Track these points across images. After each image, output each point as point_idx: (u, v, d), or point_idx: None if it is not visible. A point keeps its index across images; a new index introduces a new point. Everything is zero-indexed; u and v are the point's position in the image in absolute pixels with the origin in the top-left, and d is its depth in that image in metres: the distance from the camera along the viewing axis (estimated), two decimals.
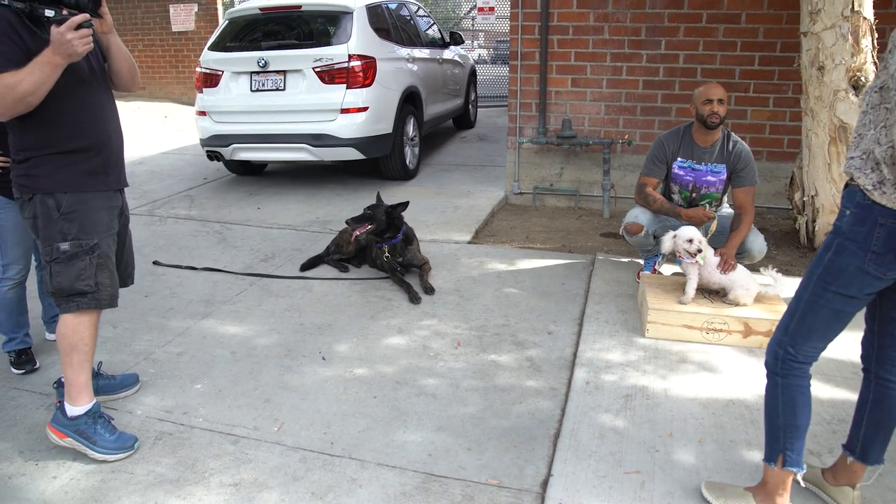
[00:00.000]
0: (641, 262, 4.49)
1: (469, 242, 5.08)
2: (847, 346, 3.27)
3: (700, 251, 3.60)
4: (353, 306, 3.94)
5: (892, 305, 2.20)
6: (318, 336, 3.58)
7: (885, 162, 1.98)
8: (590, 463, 2.53)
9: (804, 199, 4.88)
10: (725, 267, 3.61)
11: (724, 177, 4.02)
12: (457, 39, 8.97)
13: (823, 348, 2.21)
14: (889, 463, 2.35)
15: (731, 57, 5.74)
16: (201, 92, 6.50)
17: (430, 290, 4.11)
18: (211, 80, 6.42)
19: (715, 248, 3.81)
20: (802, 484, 2.43)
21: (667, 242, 3.69)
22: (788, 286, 3.78)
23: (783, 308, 3.59)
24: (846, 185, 2.16)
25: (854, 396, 3.02)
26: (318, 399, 2.99)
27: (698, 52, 5.77)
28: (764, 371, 2.36)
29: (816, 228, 4.81)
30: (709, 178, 4.04)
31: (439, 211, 5.82)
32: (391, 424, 2.80)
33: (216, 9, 13.06)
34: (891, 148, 1.97)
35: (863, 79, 4.35)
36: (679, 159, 4.06)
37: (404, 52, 7.05)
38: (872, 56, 4.42)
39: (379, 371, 3.23)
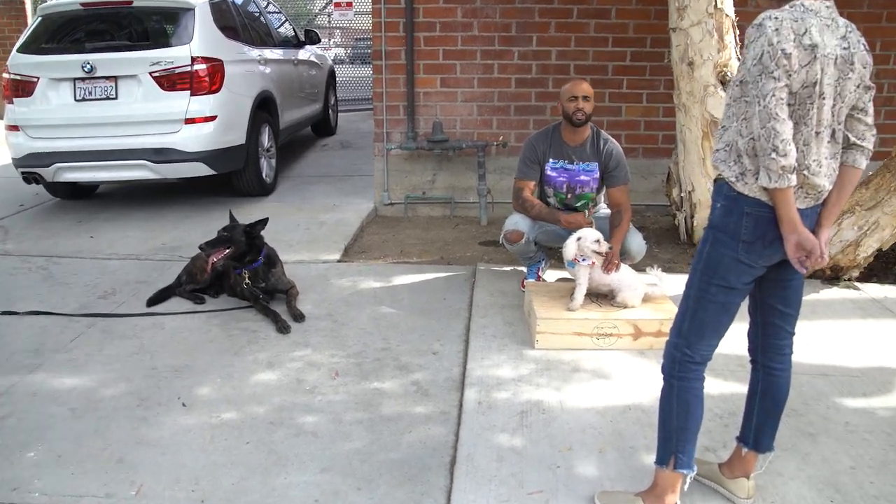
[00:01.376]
0: (524, 270, 4.67)
1: (339, 261, 5.07)
2: (732, 340, 3.56)
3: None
4: (213, 342, 3.82)
5: (770, 294, 2.43)
6: (176, 380, 3.44)
7: (747, 153, 2.20)
8: (490, 488, 2.60)
9: (681, 195, 5.26)
10: (609, 266, 3.82)
11: (597, 175, 4.25)
12: (312, 38, 8.95)
13: (716, 345, 2.40)
14: (776, 449, 2.59)
15: (603, 53, 6.09)
16: (11, 103, 6.08)
17: (299, 316, 4.06)
18: (23, 88, 6.02)
19: None
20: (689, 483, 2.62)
21: (570, 247, 3.81)
22: (673, 284, 4.04)
23: (671, 307, 3.85)
24: (715, 180, 2.37)
25: (743, 389, 3.28)
26: (181, 452, 2.87)
27: (570, 48, 6.09)
28: (657, 373, 2.53)
29: (695, 224, 5.20)
30: (582, 177, 4.26)
31: (303, 228, 5.77)
32: (269, 471, 2.74)
33: (23, 3, 12.25)
34: (751, 139, 2.19)
35: (729, 74, 4.76)
36: (551, 160, 4.26)
37: (255, 52, 6.95)
38: (736, 52, 4.85)
39: (250, 413, 3.15)
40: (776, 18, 2.08)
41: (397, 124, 6.28)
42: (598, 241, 3.78)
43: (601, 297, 3.95)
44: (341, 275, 4.79)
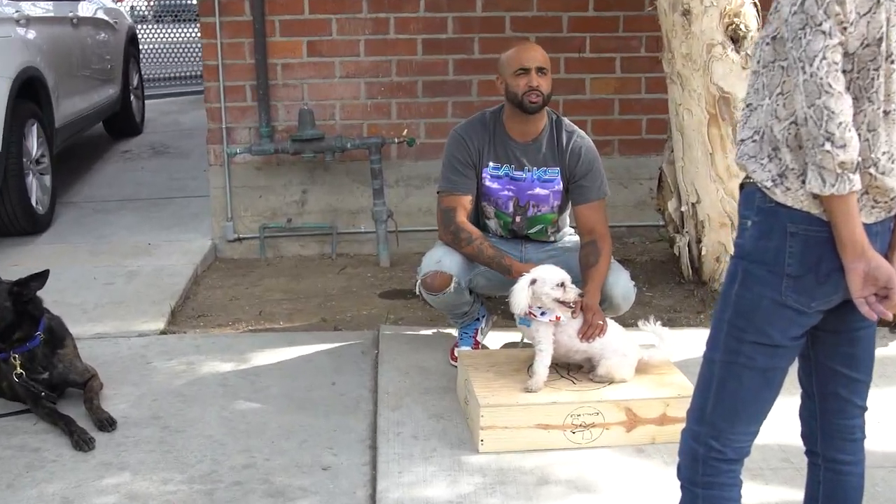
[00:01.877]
0: (455, 333, 4.74)
1: (164, 332, 5.04)
2: (773, 423, 3.71)
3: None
4: None
5: (829, 354, 2.56)
6: None
7: (787, 144, 2.33)
8: None
9: (682, 209, 5.47)
10: (589, 331, 3.91)
11: (559, 186, 4.39)
12: None
13: (756, 433, 2.52)
14: None
15: None
16: None
17: (107, 422, 4.00)
18: None
19: None
20: None
21: (520, 296, 3.84)
22: (680, 344, 4.19)
23: (680, 380, 3.99)
24: (742, 185, 2.50)
25: (792, 494, 3.43)
26: None
27: None
28: (667, 479, 2.62)
29: (704, 251, 5.41)
30: (537, 189, 4.38)
31: (102, 283, 5.71)
32: None
33: None
34: (792, 124, 2.32)
35: (742, 27, 5.01)
36: (491, 164, 4.37)
37: (8, 8, 6.87)
38: None
39: None
40: None
41: (243, 115, 6.30)
42: (561, 284, 3.86)
43: (575, 368, 4.05)
44: (169, 354, 4.75)
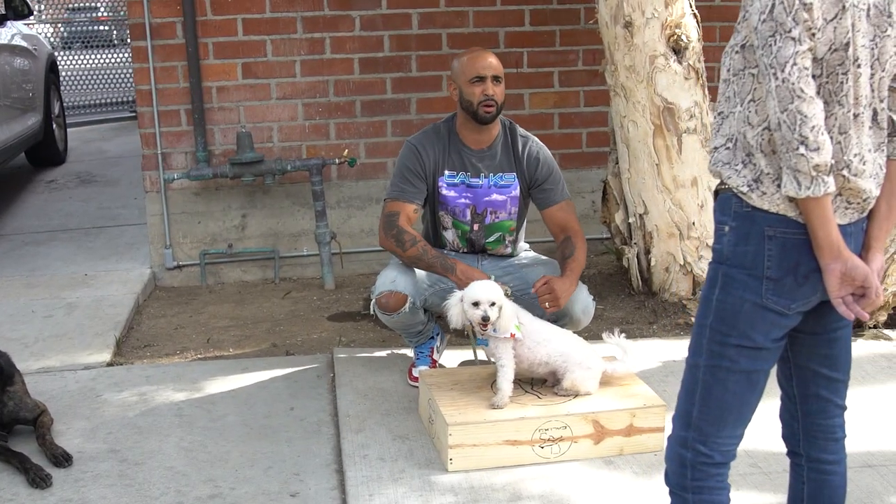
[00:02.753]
0: (410, 353, 4.76)
1: (110, 364, 4.98)
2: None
3: (506, 319, 3.91)
4: None
5: (808, 354, 2.64)
6: None
7: (761, 150, 2.41)
8: None
9: (629, 220, 5.56)
10: (552, 301, 4.02)
11: (515, 192, 4.45)
12: (19, 9, 8.79)
13: (741, 435, 2.58)
14: None
15: (489, 14, 6.36)
16: None
17: (63, 458, 3.93)
18: None
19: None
20: None
21: (453, 310, 3.93)
22: (641, 355, 4.26)
23: (643, 390, 4.06)
24: (717, 192, 2.57)
25: (763, 498, 3.51)
26: None
27: (440, 8, 6.34)
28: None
29: (653, 262, 5.50)
30: (494, 196, 4.44)
31: (41, 316, 5.63)
32: None
33: None
34: (766, 130, 2.40)
35: (684, 38, 5.12)
36: (446, 172, 4.42)
37: None
38: (691, 5, 5.23)
39: None
40: None
41: (178, 140, 6.27)
42: (476, 303, 3.83)
43: (538, 382, 4.10)
44: (119, 385, 4.69)
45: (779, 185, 2.37)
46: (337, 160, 6.19)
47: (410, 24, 6.33)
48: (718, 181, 2.55)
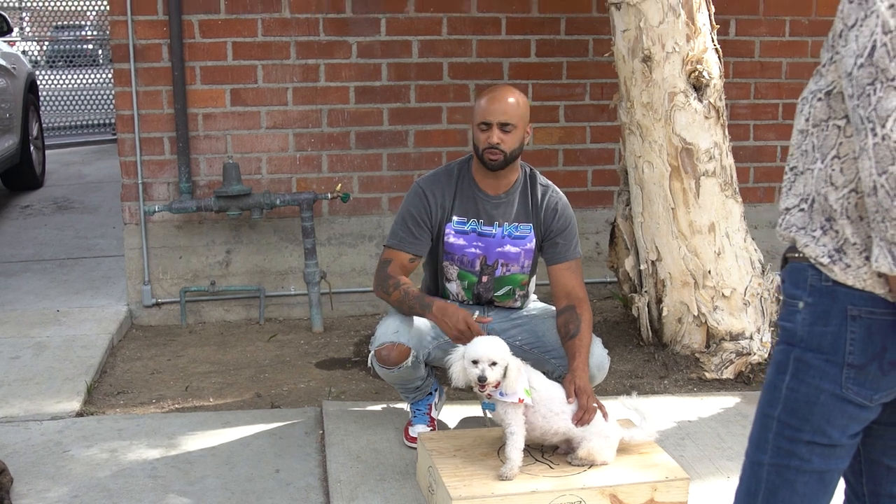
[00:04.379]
0: (407, 408, 4.44)
1: (80, 414, 4.67)
2: None
3: (507, 382, 3.57)
4: None
5: (883, 448, 2.32)
6: None
7: (847, 215, 2.09)
8: None
9: (640, 267, 5.24)
10: (585, 416, 3.65)
11: (531, 245, 4.15)
12: None
13: None
14: None
15: (493, 44, 6.13)
16: None
17: None
18: None
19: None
20: None
21: (456, 366, 3.63)
22: (658, 416, 3.95)
23: (662, 458, 3.76)
24: (786, 258, 2.24)
25: None
26: None
27: (441, 36, 6.09)
28: None
29: (665, 312, 5.18)
30: (508, 247, 4.13)
31: (7, 357, 5.32)
32: None
33: None
34: (853, 192, 2.08)
35: (706, 74, 4.83)
36: (455, 218, 4.11)
37: None
38: (713, 39, 4.94)
39: None
40: None
41: (161, 169, 5.97)
42: (475, 361, 3.53)
43: (549, 449, 3.80)
44: (88, 440, 4.35)
45: (867, 258, 2.06)
46: (329, 195, 5.90)
47: (410, 53, 6.07)
48: (788, 246, 2.23)
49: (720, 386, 4.97)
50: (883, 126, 1.93)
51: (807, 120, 2.16)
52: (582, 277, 4.17)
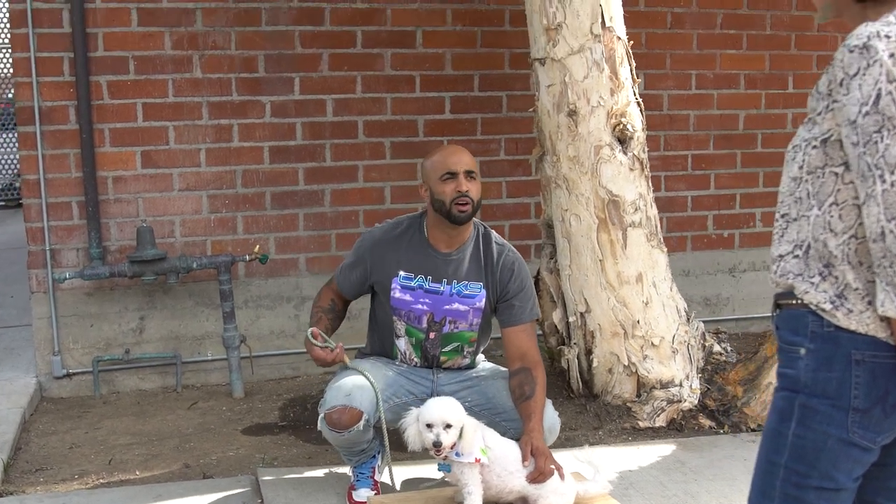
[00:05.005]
0: (349, 471, 4.32)
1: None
2: None
3: (462, 444, 3.52)
4: None
5: (876, 488, 2.32)
6: None
7: (847, 260, 2.10)
8: None
9: (569, 319, 5.24)
10: (541, 477, 3.59)
11: (480, 304, 4.11)
12: None
13: None
14: None
15: (408, 102, 6.14)
16: None
17: None
18: None
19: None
20: None
21: (410, 429, 3.57)
22: (609, 469, 3.93)
23: None
24: (781, 304, 2.25)
25: None
26: None
27: (356, 94, 6.08)
28: None
29: (595, 364, 5.18)
30: (457, 305, 4.08)
31: None
32: None
33: None
34: (853, 238, 2.10)
35: (629, 127, 4.89)
36: (401, 273, 4.06)
37: None
38: (635, 94, 5.02)
39: None
40: (889, 37, 2.02)
41: (69, 235, 5.77)
42: (429, 425, 3.50)
43: None
44: None
45: (869, 302, 2.08)
46: (248, 257, 5.77)
47: (325, 111, 6.04)
48: (778, 293, 2.24)
49: (654, 434, 4.98)
50: (892, 173, 1.96)
51: (800, 167, 2.18)
52: (536, 339, 4.15)
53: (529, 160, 5.53)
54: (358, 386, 3.92)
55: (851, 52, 2.04)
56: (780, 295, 2.24)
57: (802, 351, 2.17)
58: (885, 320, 2.06)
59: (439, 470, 3.68)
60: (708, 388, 5.18)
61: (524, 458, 3.62)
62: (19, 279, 8.17)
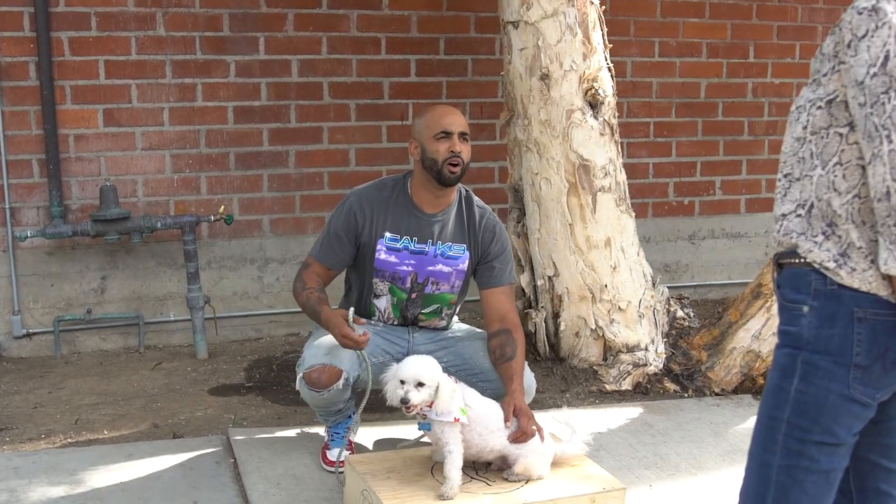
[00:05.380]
0: (314, 431, 4.33)
1: None
2: None
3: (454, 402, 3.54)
4: None
5: (869, 445, 2.38)
6: None
7: (851, 219, 2.14)
8: None
9: (536, 283, 5.27)
10: (523, 437, 3.62)
11: (463, 265, 4.12)
12: None
13: None
14: None
15: (373, 63, 6.12)
16: None
17: None
18: None
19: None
20: None
21: (389, 386, 3.55)
22: (584, 430, 3.97)
23: (595, 471, 3.77)
24: (782, 264, 2.29)
25: None
26: None
27: (321, 55, 6.04)
28: None
29: (562, 327, 5.22)
30: (440, 266, 4.09)
31: None
32: None
33: None
34: (856, 198, 2.14)
35: (601, 92, 4.92)
36: (387, 234, 4.05)
37: None
38: (606, 59, 5.04)
39: None
40: None
41: (29, 193, 5.69)
42: (402, 381, 3.49)
43: (482, 466, 3.75)
44: None
45: (871, 261, 2.12)
46: (213, 217, 5.72)
47: (290, 72, 5.99)
48: (779, 252, 2.27)
49: (620, 397, 5.04)
50: None
51: (804, 128, 2.21)
52: (514, 302, 4.18)
53: (497, 124, 5.54)
54: (336, 345, 3.92)
55: (860, 13, 2.07)
56: (782, 254, 2.27)
57: (805, 308, 2.20)
58: (888, 279, 2.10)
59: (420, 429, 3.69)
60: (672, 353, 5.26)
61: (506, 419, 3.64)
62: None
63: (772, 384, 2.29)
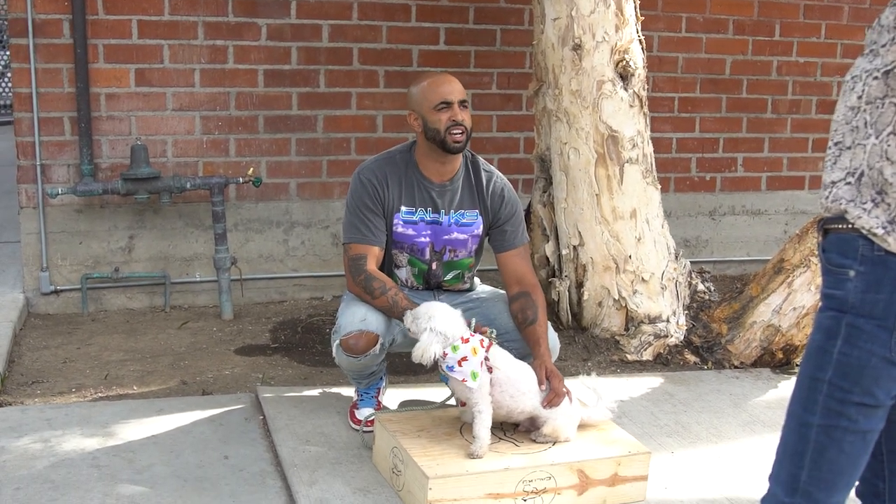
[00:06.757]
0: (342, 391, 4.38)
1: None
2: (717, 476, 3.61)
3: (483, 362, 3.59)
4: None
5: None
6: None
7: None
8: None
9: (561, 252, 5.31)
10: (555, 399, 3.68)
11: (478, 231, 4.15)
12: None
13: (844, 502, 2.34)
14: None
15: (403, 31, 6.12)
16: None
17: None
18: None
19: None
20: None
21: (429, 348, 3.55)
22: (609, 398, 4.02)
23: (621, 435, 3.83)
24: (828, 230, 2.32)
25: None
26: None
27: (352, 21, 6.05)
28: None
29: (585, 297, 5.26)
30: (455, 234, 4.12)
31: None
32: None
33: None
34: None
35: (632, 64, 4.94)
36: (403, 209, 4.07)
37: None
38: (637, 31, 5.06)
39: None
40: None
41: (61, 150, 5.71)
42: (456, 339, 3.56)
43: (510, 427, 3.83)
44: (16, 430, 4.11)
45: None
46: (241, 179, 5.75)
47: (320, 37, 5.99)
48: (826, 218, 2.31)
49: (641, 367, 5.09)
50: None
51: (859, 97, 2.23)
52: (530, 262, 4.20)
53: (525, 94, 5.56)
54: (371, 310, 3.93)
55: None
56: (829, 220, 2.30)
57: (851, 273, 2.23)
58: None
59: (447, 383, 3.76)
60: (693, 325, 5.29)
61: (540, 382, 3.69)
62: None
63: (814, 346, 2.32)
